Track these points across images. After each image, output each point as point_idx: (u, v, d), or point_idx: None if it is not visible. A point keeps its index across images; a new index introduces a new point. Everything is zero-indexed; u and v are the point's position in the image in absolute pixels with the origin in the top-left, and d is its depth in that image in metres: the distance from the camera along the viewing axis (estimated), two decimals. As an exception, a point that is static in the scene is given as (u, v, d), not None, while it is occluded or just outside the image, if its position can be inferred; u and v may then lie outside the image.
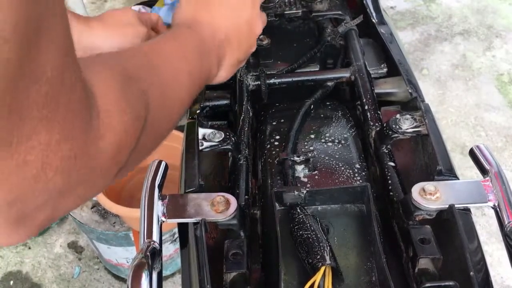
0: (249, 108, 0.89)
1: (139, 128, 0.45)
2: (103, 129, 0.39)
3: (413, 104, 0.80)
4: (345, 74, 0.94)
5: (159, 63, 0.54)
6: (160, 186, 0.66)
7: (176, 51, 0.58)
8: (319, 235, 0.63)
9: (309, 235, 0.63)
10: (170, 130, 0.57)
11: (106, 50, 0.72)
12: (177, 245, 1.54)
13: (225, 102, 0.92)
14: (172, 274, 1.78)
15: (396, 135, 0.75)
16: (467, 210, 0.65)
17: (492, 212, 0.63)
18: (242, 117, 0.86)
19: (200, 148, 0.76)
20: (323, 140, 0.82)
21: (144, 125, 0.46)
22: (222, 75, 0.70)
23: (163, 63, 0.55)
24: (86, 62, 0.40)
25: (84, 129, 0.37)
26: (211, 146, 0.77)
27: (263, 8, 1.04)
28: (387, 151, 0.77)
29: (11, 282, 1.84)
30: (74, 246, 1.92)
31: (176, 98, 0.56)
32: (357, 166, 0.77)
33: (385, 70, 0.97)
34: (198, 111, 0.82)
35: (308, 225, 0.65)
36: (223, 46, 0.67)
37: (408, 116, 0.76)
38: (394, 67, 0.93)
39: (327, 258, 0.60)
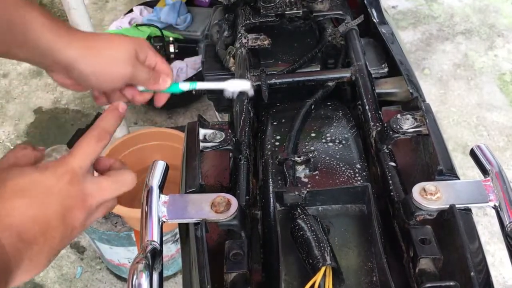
0: (249, 108, 0.89)
1: None
2: None
3: (414, 104, 0.80)
4: (346, 74, 0.93)
5: None
6: (161, 187, 0.66)
7: None
8: (319, 236, 0.63)
9: (310, 236, 0.63)
10: None
11: (79, 73, 0.65)
12: (179, 245, 1.54)
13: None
14: (174, 274, 1.78)
15: (397, 135, 0.75)
16: (468, 210, 0.65)
17: (494, 211, 0.63)
18: (242, 118, 0.86)
19: (201, 148, 0.76)
20: (323, 140, 0.82)
21: None
22: (23, 279, 0.52)
23: None
24: None
25: None
26: (212, 146, 0.77)
27: (264, 8, 1.04)
28: (388, 151, 0.77)
29: (14, 282, 1.84)
30: (76, 246, 1.92)
31: None
32: (358, 166, 0.77)
33: (386, 70, 0.97)
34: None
35: (309, 225, 0.65)
36: (16, 248, 0.50)
37: (409, 116, 0.76)
38: (395, 67, 0.93)
39: (328, 258, 0.60)
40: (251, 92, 0.81)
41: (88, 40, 0.65)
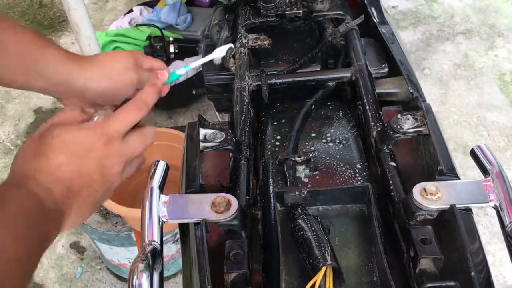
0: (250, 108, 0.89)
1: None
2: None
3: (414, 104, 0.80)
4: (346, 74, 0.93)
5: None
6: (161, 187, 0.66)
7: (1, 227, 0.50)
8: (320, 236, 0.63)
9: (310, 236, 0.63)
10: None
11: (95, 92, 0.71)
12: (179, 245, 1.54)
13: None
14: (174, 274, 1.78)
15: (397, 135, 0.75)
16: (468, 210, 0.65)
17: (494, 211, 0.63)
18: (243, 118, 0.86)
19: (201, 148, 0.76)
20: (324, 140, 0.82)
21: None
22: (72, 225, 0.61)
23: None
24: None
25: None
26: (212, 146, 0.77)
27: (264, 8, 1.04)
28: (388, 151, 0.77)
29: (14, 283, 1.84)
30: (76, 247, 1.92)
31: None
32: (358, 166, 0.77)
33: (386, 70, 0.97)
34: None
35: (309, 225, 0.65)
36: (66, 198, 0.58)
37: (409, 116, 0.76)
38: (396, 67, 0.93)
39: (328, 258, 0.60)
40: (222, 54, 0.89)
41: (95, 62, 0.72)
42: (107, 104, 0.76)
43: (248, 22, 1.04)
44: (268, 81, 0.92)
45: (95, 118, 0.70)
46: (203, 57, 0.88)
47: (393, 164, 0.76)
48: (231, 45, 0.89)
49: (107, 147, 0.62)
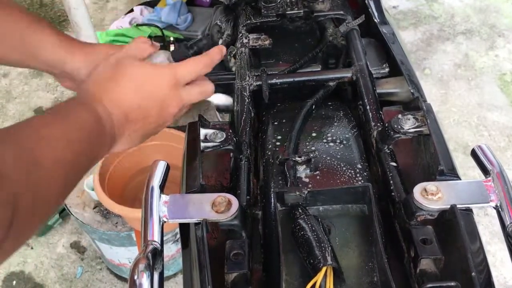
0: (250, 108, 0.89)
1: (4, 228, 0.44)
2: None
3: (415, 104, 0.80)
4: (346, 74, 0.93)
5: (41, 159, 0.50)
6: (162, 187, 0.66)
7: (62, 135, 0.55)
8: (320, 236, 0.63)
9: (311, 236, 0.63)
10: (48, 216, 0.55)
11: (83, 77, 0.73)
12: (179, 245, 1.54)
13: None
14: (175, 274, 1.78)
15: (398, 135, 0.75)
16: (469, 210, 0.65)
17: (495, 212, 0.63)
18: (243, 117, 0.86)
19: (202, 148, 0.76)
20: (324, 140, 0.82)
21: (10, 224, 0.44)
22: (119, 149, 0.68)
23: (45, 159, 0.51)
24: None
25: None
26: (212, 146, 0.76)
27: (265, 8, 1.04)
28: (388, 151, 0.77)
29: (14, 282, 1.84)
30: (76, 246, 1.92)
31: (51, 194, 0.52)
32: (359, 166, 0.77)
33: (387, 70, 0.97)
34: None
35: (310, 225, 0.65)
36: (121, 126, 0.64)
37: (410, 116, 0.76)
38: (396, 67, 0.93)
39: (329, 258, 0.60)
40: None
41: (88, 51, 0.76)
42: None
43: (248, 22, 1.04)
44: (269, 81, 0.92)
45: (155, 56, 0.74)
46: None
47: (394, 164, 0.76)
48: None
49: (171, 89, 0.68)
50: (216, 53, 0.74)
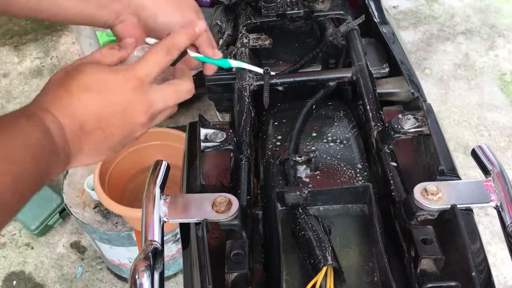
0: (251, 108, 0.89)
1: None
2: None
3: (415, 104, 0.80)
4: (347, 74, 0.93)
5: None
6: (162, 187, 0.66)
7: (1, 159, 0.48)
8: (321, 236, 0.63)
9: (311, 236, 0.63)
10: None
11: (152, 13, 0.67)
12: (180, 245, 1.54)
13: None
14: (175, 274, 1.78)
15: (398, 135, 0.75)
16: (469, 210, 0.65)
17: (495, 211, 0.63)
18: (243, 117, 0.86)
19: (202, 148, 0.76)
20: (325, 140, 0.82)
21: None
22: (82, 163, 0.60)
23: None
24: None
25: None
26: (213, 146, 0.77)
27: (265, 8, 1.04)
28: (389, 151, 0.77)
29: (14, 282, 1.84)
30: (76, 246, 1.92)
31: None
32: (359, 166, 0.77)
33: (387, 70, 0.97)
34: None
35: (310, 225, 0.65)
36: (77, 139, 0.56)
37: (410, 116, 0.76)
38: (396, 67, 0.93)
39: (329, 258, 0.60)
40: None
41: None
42: (159, 33, 0.70)
43: (249, 22, 1.04)
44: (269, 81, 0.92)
45: (135, 53, 0.65)
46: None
47: (394, 164, 0.76)
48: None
49: (134, 92, 0.58)
50: (182, 37, 0.64)
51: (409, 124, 0.75)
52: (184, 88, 0.63)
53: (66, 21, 0.69)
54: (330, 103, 0.91)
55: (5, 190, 0.47)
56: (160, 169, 0.67)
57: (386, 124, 0.77)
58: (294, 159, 0.76)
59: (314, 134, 0.84)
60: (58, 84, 0.58)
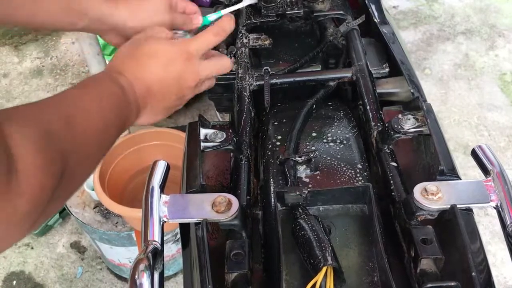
0: (250, 108, 0.89)
1: (55, 184, 0.48)
2: (21, 189, 0.43)
3: (415, 104, 0.80)
4: (347, 74, 0.93)
5: (79, 120, 0.57)
6: (162, 186, 0.66)
7: (94, 103, 0.61)
8: (320, 236, 0.63)
9: (311, 236, 0.63)
10: (86, 179, 0.60)
11: (129, 30, 0.78)
12: (180, 245, 1.54)
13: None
14: (175, 274, 1.78)
15: (398, 135, 0.75)
16: (469, 210, 0.65)
17: (495, 211, 0.63)
18: (243, 117, 0.86)
19: (202, 148, 0.76)
20: (325, 140, 0.82)
21: (60, 180, 0.49)
22: (145, 121, 0.73)
23: (82, 120, 0.57)
24: (6, 114, 0.45)
25: (2, 190, 0.41)
26: (213, 146, 0.77)
27: (265, 8, 1.04)
28: (389, 151, 0.77)
29: (14, 282, 1.84)
30: (76, 246, 1.92)
31: (91, 151, 0.59)
32: (359, 166, 0.77)
33: (387, 70, 0.97)
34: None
35: (310, 225, 0.65)
36: (144, 97, 0.69)
37: (410, 116, 0.76)
38: (396, 67, 0.93)
39: (329, 258, 0.60)
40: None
41: (129, 2, 0.80)
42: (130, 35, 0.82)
43: (248, 22, 1.04)
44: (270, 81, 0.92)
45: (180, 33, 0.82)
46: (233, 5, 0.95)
47: (394, 164, 0.76)
48: None
49: (186, 62, 0.72)
50: (226, 21, 0.77)
51: (409, 124, 0.75)
52: (223, 62, 0.79)
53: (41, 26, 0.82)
54: (330, 103, 0.91)
55: (99, 131, 0.59)
56: (160, 169, 0.67)
57: (386, 124, 0.77)
58: (294, 159, 0.76)
59: (314, 134, 0.84)
60: (128, 53, 0.71)
